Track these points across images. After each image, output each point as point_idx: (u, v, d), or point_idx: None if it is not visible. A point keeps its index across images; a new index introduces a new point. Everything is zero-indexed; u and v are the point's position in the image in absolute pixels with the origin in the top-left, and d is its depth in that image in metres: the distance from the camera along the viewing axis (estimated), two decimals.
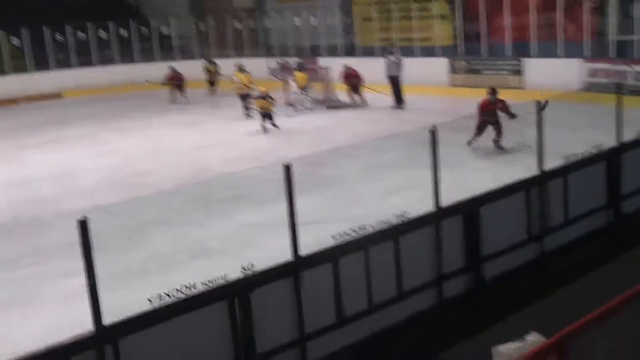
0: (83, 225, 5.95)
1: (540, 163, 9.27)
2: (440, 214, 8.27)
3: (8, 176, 17.56)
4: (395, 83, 23.60)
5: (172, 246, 11.20)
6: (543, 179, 9.30)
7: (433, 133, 7.98)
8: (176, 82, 28.21)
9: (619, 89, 10.55)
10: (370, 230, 7.73)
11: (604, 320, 5.37)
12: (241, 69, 23.97)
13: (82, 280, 10.16)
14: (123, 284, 8.56)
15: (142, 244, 11.00)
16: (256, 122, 20.96)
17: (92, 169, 17.75)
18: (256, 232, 11.29)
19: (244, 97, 22.90)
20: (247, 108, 22.61)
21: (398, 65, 23.64)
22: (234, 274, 6.75)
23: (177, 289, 6.43)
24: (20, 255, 11.28)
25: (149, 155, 19.00)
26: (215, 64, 30.03)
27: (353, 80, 24.11)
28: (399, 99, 23.45)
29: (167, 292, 6.34)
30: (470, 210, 8.56)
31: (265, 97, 20.62)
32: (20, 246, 11.76)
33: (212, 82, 29.90)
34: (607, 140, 10.26)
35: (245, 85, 22.95)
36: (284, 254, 7.09)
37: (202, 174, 15.19)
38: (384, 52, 25.26)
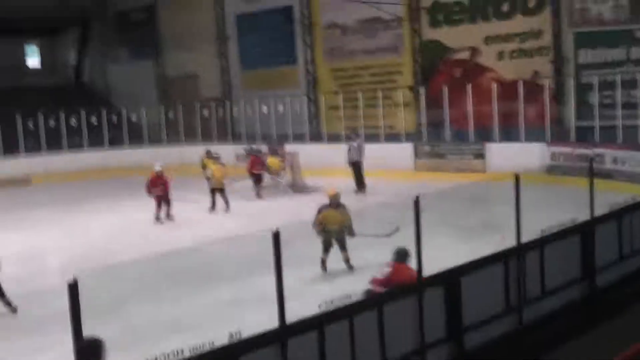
0: (73, 289, 5.94)
1: (518, 236, 9.42)
2: (422, 284, 8.37)
3: None
4: (357, 168, 23.83)
5: (147, 320, 11.15)
6: (521, 250, 9.45)
7: (417, 202, 8.12)
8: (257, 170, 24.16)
9: (591, 165, 10.87)
10: (354, 299, 7.80)
11: None
12: (210, 156, 22.78)
13: (54, 354, 10.06)
14: None
15: (116, 319, 10.87)
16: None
17: (61, 249, 17.64)
18: (231, 307, 11.29)
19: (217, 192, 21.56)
20: (226, 202, 21.43)
21: (360, 150, 24.00)
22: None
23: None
24: None
25: (120, 235, 19.02)
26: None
27: (257, 168, 23.70)
28: (360, 184, 23.62)
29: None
30: (451, 281, 8.67)
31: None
32: None
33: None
34: (569, 219, 10.48)
35: (218, 179, 21.42)
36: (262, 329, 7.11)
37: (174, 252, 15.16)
38: (347, 138, 25.68)
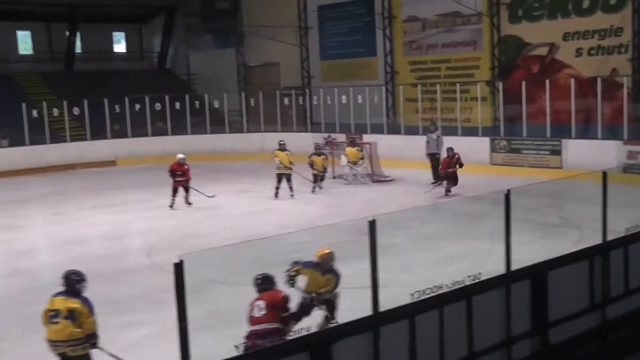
0: (178, 268, 6.12)
1: (604, 233, 9.62)
2: (510, 277, 8.63)
3: (71, 234, 18.20)
4: (435, 160, 24.02)
5: (233, 304, 11.54)
6: (605, 248, 9.66)
7: (507, 197, 8.39)
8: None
9: None
10: (444, 289, 8.08)
11: None
12: (282, 148, 22.64)
13: (144, 331, 10.52)
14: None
15: (204, 301, 11.08)
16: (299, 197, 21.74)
17: (148, 230, 18.29)
18: None
19: (284, 177, 22.10)
20: (290, 188, 22.07)
21: (438, 142, 24.23)
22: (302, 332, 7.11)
23: None
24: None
25: (204, 219, 19.50)
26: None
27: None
28: (438, 176, 23.79)
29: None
30: (538, 275, 8.91)
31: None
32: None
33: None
34: None
35: (285, 165, 22.04)
36: (351, 315, 7.41)
37: (256, 238, 15.54)
38: (426, 130, 25.89)
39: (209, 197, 21.29)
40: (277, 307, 8.48)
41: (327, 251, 9.87)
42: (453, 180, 21.21)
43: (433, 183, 22.54)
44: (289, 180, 22.13)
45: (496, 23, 29.10)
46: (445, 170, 21.51)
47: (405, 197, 21.55)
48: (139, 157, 32.35)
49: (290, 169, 22.13)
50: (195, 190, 21.18)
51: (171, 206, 20.78)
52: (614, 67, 25.91)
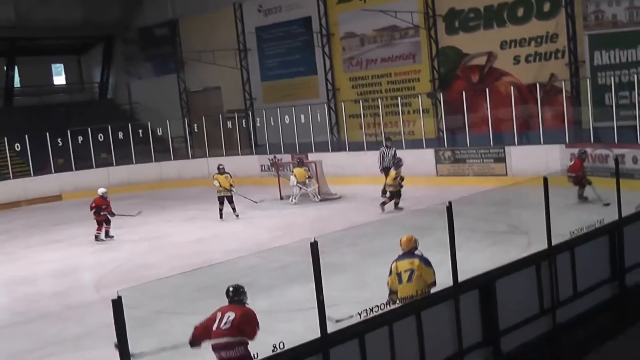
0: (117, 304, 6.08)
1: (549, 238, 9.64)
2: (458, 288, 8.60)
3: (18, 274, 17.80)
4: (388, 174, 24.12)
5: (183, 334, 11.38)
6: (551, 252, 9.68)
7: (449, 209, 8.37)
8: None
9: (617, 166, 11.07)
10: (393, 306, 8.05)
11: None
12: (221, 171, 23.16)
13: None
14: None
15: (154, 334, 10.95)
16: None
17: (96, 265, 18.04)
18: (267, 318, 11.51)
19: (225, 199, 22.67)
20: (233, 209, 22.61)
21: (394, 156, 24.28)
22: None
23: None
24: (38, 346, 11.44)
25: (152, 249, 19.26)
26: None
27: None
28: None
29: None
30: (486, 284, 8.90)
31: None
32: (36, 337, 11.95)
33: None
34: (594, 219, 10.65)
35: (225, 188, 22.61)
36: (300, 338, 7.30)
37: (205, 264, 15.35)
38: (382, 144, 25.70)
39: (135, 215, 21.76)
40: (246, 324, 8.06)
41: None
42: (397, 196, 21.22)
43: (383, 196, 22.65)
44: (230, 201, 22.65)
45: (434, 35, 29.35)
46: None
47: (353, 213, 21.54)
48: (84, 190, 31.63)
49: (230, 191, 22.62)
50: (120, 215, 21.28)
51: (97, 238, 21.01)
52: (552, 72, 26.30)
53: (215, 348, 8.03)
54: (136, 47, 42.43)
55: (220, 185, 22.64)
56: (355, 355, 7.57)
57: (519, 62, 27.22)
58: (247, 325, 8.00)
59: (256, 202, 23.84)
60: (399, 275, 9.22)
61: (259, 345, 7.24)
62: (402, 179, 21.27)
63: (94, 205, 20.95)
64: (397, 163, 22.10)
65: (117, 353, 6.18)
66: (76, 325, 12.81)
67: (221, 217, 22.64)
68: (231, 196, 22.65)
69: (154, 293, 11.87)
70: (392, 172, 21.55)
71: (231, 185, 22.64)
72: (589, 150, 20.58)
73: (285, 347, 7.08)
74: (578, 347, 9.55)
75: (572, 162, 19.94)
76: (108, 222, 21.10)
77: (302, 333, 7.54)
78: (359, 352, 7.59)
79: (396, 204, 21.21)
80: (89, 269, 18.02)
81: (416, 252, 9.42)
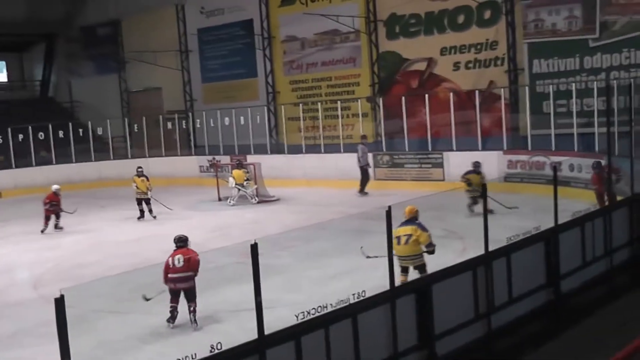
0: (59, 303, 5.98)
1: (486, 244, 9.67)
2: (395, 292, 8.57)
3: None
4: (364, 172, 24.94)
5: (120, 333, 11.27)
6: (488, 258, 9.71)
7: (388, 213, 8.33)
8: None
9: (555, 173, 11.15)
10: (330, 308, 7.98)
11: None
12: (139, 174, 23.45)
13: None
14: None
15: (91, 332, 10.84)
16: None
17: (34, 262, 17.69)
18: (203, 319, 11.40)
19: (142, 202, 23.04)
20: (150, 211, 22.97)
21: (366, 155, 25.06)
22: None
23: None
24: None
25: (90, 248, 19.04)
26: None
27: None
28: (363, 188, 24.77)
29: None
30: (422, 289, 8.89)
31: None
32: None
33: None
34: (529, 226, 10.78)
35: (142, 190, 22.91)
36: (236, 339, 7.28)
37: (145, 264, 15.17)
38: (360, 143, 26.05)
39: (72, 213, 22.01)
40: (193, 261, 11.14)
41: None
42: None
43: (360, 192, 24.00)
44: (147, 203, 23.03)
45: (374, 40, 29.45)
46: None
47: (290, 216, 21.50)
48: (24, 187, 31.30)
49: (146, 193, 22.92)
50: (63, 211, 21.83)
51: (43, 231, 21.45)
52: (492, 79, 26.56)
53: (172, 280, 11.17)
54: (78, 46, 41.87)
55: (138, 188, 22.97)
56: (291, 357, 7.54)
57: (458, 69, 27.44)
58: (194, 262, 11.15)
59: (171, 210, 23.46)
60: (398, 238, 10.93)
61: (196, 346, 7.11)
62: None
63: (47, 200, 21.67)
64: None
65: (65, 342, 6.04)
66: (12, 323, 12.58)
67: (141, 217, 22.95)
68: (149, 198, 22.99)
69: (92, 292, 11.64)
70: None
71: (148, 188, 22.94)
72: (526, 157, 20.75)
73: (223, 348, 7.03)
74: (512, 352, 9.60)
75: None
76: (58, 216, 21.77)
77: (236, 335, 7.52)
78: (294, 354, 7.55)
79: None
80: (27, 267, 17.63)
81: (416, 221, 11.35)
